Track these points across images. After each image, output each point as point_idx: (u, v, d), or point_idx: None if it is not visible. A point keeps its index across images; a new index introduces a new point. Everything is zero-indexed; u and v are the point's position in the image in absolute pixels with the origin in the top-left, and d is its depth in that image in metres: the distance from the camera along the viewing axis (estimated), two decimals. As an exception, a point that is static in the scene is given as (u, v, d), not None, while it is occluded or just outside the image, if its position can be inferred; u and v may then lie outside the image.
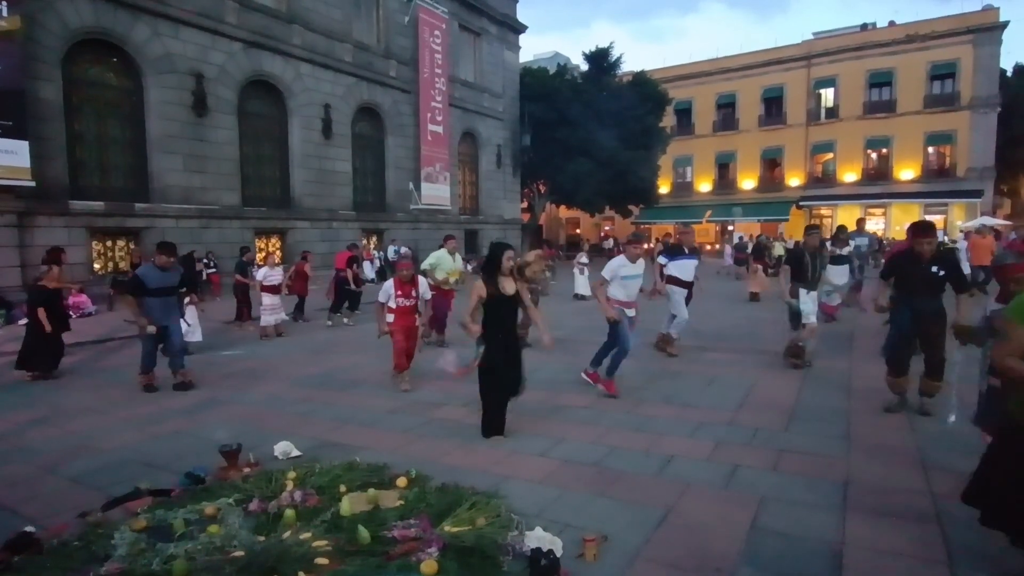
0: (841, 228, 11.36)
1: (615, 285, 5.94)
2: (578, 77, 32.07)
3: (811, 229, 7.26)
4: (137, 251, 14.81)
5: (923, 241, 4.87)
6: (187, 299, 8.46)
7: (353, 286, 11.62)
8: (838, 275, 10.46)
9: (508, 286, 4.70)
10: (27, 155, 12.35)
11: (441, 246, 9.19)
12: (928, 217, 31.85)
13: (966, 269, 12.83)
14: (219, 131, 16.58)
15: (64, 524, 3.27)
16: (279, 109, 18.80)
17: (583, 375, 6.27)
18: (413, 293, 6.44)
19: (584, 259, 15.78)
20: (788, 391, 5.96)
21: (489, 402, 4.75)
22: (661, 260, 7.99)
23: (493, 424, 4.76)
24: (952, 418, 4.41)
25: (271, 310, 10.31)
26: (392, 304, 6.38)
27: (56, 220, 13.36)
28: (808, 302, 6.92)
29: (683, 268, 7.76)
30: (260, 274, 10.56)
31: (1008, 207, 38.17)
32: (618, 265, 5.98)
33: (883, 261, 6.90)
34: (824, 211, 37.11)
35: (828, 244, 10.86)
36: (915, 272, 4.93)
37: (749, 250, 19.65)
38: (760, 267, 14.94)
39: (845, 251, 10.71)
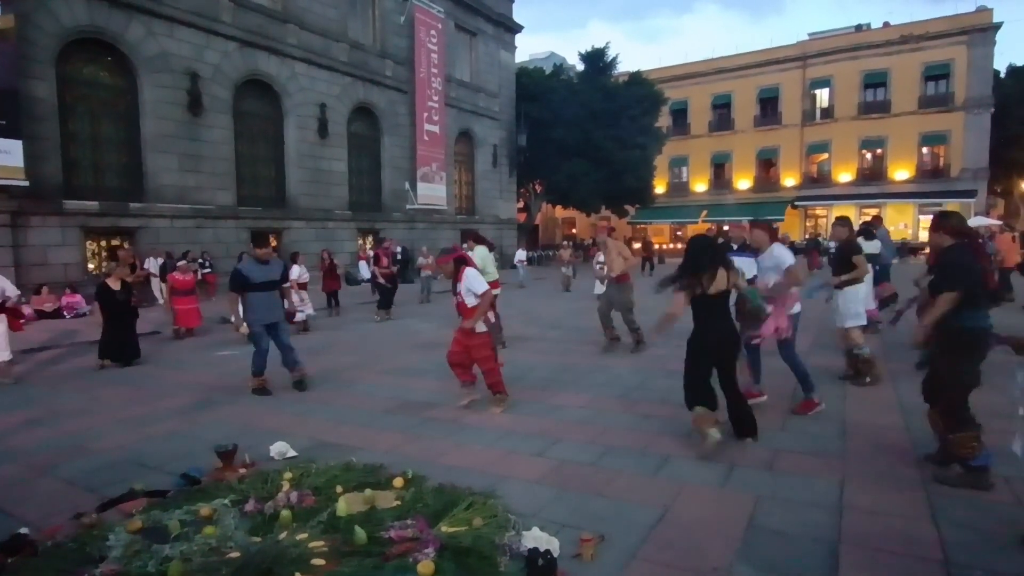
0: (867, 222, 10.15)
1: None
2: (574, 77, 32.14)
3: (841, 220, 6.35)
4: (130, 251, 14.75)
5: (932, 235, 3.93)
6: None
7: (382, 280, 12.46)
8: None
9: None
10: (20, 154, 12.31)
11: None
12: (922, 218, 32.13)
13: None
14: (214, 130, 16.54)
15: (58, 525, 3.25)
16: (274, 109, 18.77)
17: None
18: (457, 288, 5.40)
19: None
20: (783, 390, 5.97)
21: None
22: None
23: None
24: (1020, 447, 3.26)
25: (305, 304, 10.82)
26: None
27: (50, 220, 13.31)
28: (834, 304, 6.16)
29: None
30: (295, 272, 10.79)
31: (1001, 207, 38.39)
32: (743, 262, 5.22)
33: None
34: (819, 211, 37.30)
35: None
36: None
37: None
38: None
39: (869, 249, 9.21)
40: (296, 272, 10.82)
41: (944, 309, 3.61)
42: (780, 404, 5.50)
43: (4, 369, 7.20)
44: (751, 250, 6.12)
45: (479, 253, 8.75)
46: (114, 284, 8.26)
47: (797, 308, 5.28)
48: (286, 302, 6.73)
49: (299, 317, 10.48)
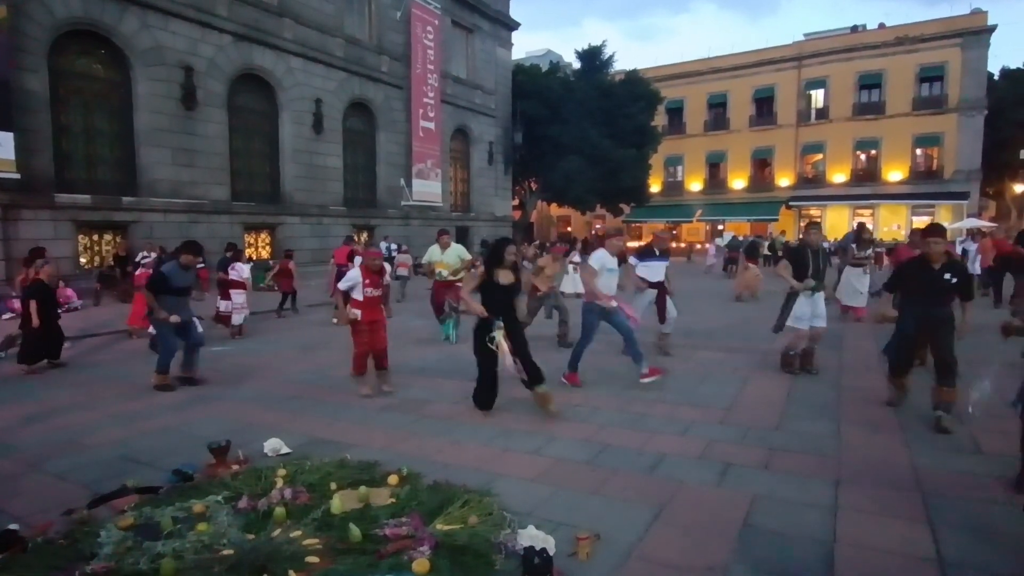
0: (863, 228, 11.02)
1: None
2: (570, 75, 32.06)
3: (812, 225, 6.89)
4: (123, 244, 14.67)
5: (930, 241, 4.83)
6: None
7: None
8: (859, 278, 10.26)
9: (504, 276, 5.17)
10: (12, 147, 12.19)
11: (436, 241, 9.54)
12: (915, 219, 32.30)
13: (975, 270, 12.61)
14: (208, 125, 16.43)
15: (49, 522, 3.22)
16: (269, 103, 18.66)
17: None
18: (382, 282, 6.20)
19: (576, 258, 15.53)
20: (779, 390, 5.99)
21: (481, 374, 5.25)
22: (632, 261, 7.94)
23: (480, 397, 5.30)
24: (971, 408, 4.26)
25: (240, 308, 10.00)
26: (359, 295, 6.01)
27: (41, 213, 13.19)
28: (804, 306, 6.46)
29: (652, 270, 7.72)
30: (245, 271, 10.31)
31: (993, 209, 38.63)
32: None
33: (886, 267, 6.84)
34: (813, 211, 37.39)
35: (852, 246, 10.66)
36: (926, 278, 4.86)
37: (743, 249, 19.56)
38: (752, 265, 14.72)
39: (868, 253, 10.37)
40: (244, 271, 10.27)
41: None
42: (772, 404, 5.51)
43: None
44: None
45: (454, 250, 9.27)
46: (50, 281, 7.79)
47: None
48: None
49: (236, 320, 9.92)
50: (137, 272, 10.43)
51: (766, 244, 24.20)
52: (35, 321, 7.27)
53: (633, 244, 31.36)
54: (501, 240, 5.44)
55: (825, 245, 7.43)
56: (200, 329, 6.93)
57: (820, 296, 6.57)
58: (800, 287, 6.46)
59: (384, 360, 6.14)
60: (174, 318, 6.36)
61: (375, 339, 6.02)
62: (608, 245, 6.38)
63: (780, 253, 15.91)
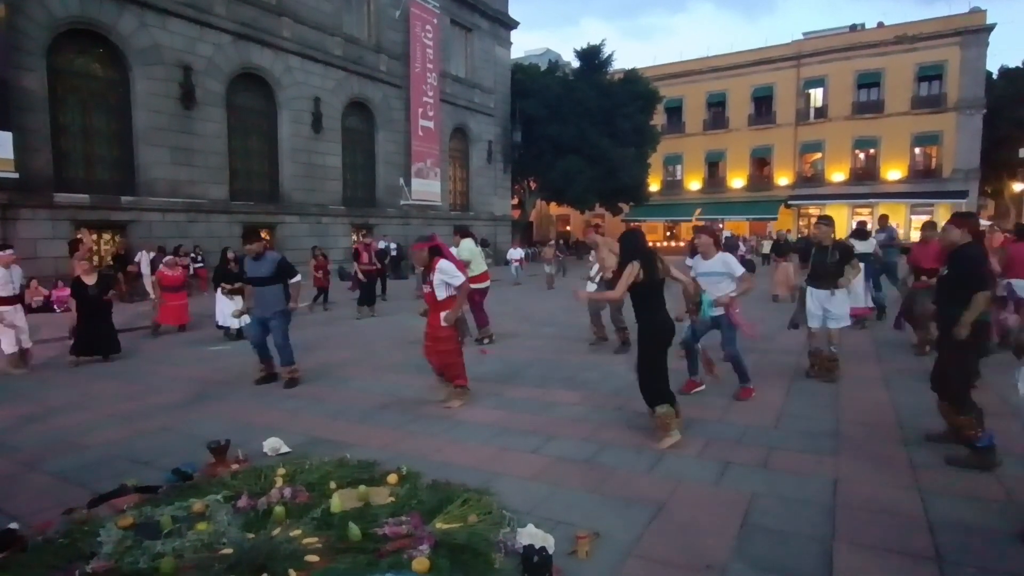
0: (862, 222, 10.83)
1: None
2: (569, 74, 32.06)
3: (821, 220, 6.43)
4: (123, 242, 14.66)
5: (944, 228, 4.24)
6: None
7: (361, 277, 12.46)
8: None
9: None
10: (10, 146, 12.19)
11: None
12: (914, 218, 32.33)
13: None
14: (207, 124, 16.42)
15: (49, 521, 3.22)
16: (268, 102, 18.65)
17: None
18: (427, 278, 5.32)
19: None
20: (777, 389, 5.99)
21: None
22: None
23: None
24: None
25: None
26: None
27: (40, 212, 13.19)
28: (811, 304, 6.23)
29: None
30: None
31: (992, 208, 38.70)
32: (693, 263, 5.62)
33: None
34: (812, 210, 37.40)
35: (850, 240, 10.36)
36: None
37: (742, 249, 19.29)
38: (784, 263, 14.06)
39: (862, 248, 9.66)
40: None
41: (983, 307, 3.91)
42: (770, 402, 5.52)
43: (15, 360, 7.36)
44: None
45: (466, 246, 8.82)
46: (88, 279, 7.97)
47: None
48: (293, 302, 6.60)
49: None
50: (157, 273, 10.82)
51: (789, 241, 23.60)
52: (73, 318, 7.90)
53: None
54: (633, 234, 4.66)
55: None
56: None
57: (840, 295, 6.17)
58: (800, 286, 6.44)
59: (445, 373, 5.42)
60: (245, 316, 6.52)
61: (427, 344, 5.40)
62: (699, 245, 5.60)
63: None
